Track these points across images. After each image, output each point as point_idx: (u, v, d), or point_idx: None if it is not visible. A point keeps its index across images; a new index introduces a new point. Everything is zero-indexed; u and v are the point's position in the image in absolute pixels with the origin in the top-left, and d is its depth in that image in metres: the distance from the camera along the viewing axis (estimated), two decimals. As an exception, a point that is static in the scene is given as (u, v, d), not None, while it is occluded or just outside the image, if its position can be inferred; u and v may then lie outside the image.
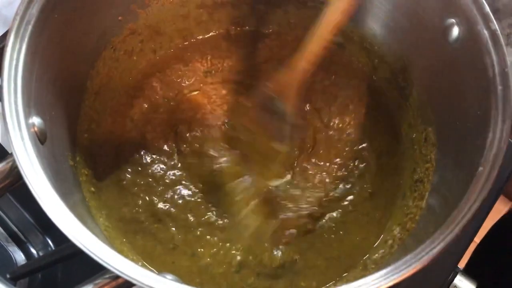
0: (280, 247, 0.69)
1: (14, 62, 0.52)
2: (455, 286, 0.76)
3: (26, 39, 0.54)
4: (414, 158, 0.71)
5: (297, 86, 0.67)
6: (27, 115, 0.51)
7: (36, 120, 0.53)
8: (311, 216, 0.71)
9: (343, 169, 0.74)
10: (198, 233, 0.69)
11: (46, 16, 0.56)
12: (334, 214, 0.71)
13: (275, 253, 0.68)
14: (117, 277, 0.45)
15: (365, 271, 0.65)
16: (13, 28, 0.53)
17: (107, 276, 0.46)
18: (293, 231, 0.69)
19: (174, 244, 0.69)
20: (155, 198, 0.71)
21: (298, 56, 0.68)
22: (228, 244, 0.69)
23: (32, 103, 0.53)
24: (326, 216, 0.71)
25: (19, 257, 0.79)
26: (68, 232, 0.45)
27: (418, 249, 0.48)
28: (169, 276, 0.46)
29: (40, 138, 0.53)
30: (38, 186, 0.48)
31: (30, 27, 0.54)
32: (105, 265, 0.44)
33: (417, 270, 0.47)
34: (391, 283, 0.46)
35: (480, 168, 0.52)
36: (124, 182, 0.72)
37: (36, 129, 0.53)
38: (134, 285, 0.46)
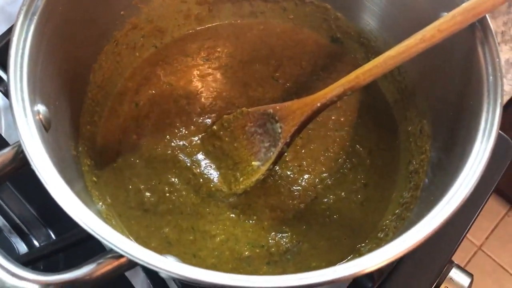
0: (284, 227, 0.70)
1: (20, 52, 0.54)
2: (451, 278, 0.77)
3: (31, 30, 0.56)
4: (410, 150, 0.73)
5: (304, 119, 0.67)
6: (33, 103, 0.53)
7: (41, 108, 0.55)
8: (304, 198, 0.73)
9: (336, 162, 0.76)
10: (191, 237, 0.70)
11: (51, 8, 0.58)
12: (327, 199, 0.73)
13: (278, 238, 0.70)
14: (120, 256, 0.47)
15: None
16: (19, 18, 0.55)
17: (109, 255, 0.47)
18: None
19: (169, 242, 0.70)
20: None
21: (319, 94, 0.67)
22: (230, 243, 0.70)
23: (37, 91, 0.55)
24: (318, 200, 0.73)
25: (22, 248, 0.81)
26: (74, 214, 0.47)
27: (407, 233, 0.49)
28: (171, 258, 0.47)
29: (45, 126, 0.55)
30: (44, 171, 0.49)
31: (35, 18, 0.56)
32: (109, 245, 0.45)
33: (404, 254, 0.48)
34: (377, 266, 0.47)
35: (471, 158, 0.53)
36: (124, 171, 0.73)
37: (41, 116, 0.54)
38: (135, 265, 0.48)
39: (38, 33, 0.56)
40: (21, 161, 0.52)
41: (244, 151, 0.73)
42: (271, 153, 0.70)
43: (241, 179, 0.72)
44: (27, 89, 0.53)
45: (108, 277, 0.47)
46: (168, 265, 0.45)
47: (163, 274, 0.46)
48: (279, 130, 0.69)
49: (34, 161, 0.49)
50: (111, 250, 0.47)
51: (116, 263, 0.47)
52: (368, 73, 0.63)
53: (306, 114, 0.67)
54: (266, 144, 0.71)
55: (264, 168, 0.70)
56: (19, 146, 0.51)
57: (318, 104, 0.66)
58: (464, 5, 0.58)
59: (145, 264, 0.45)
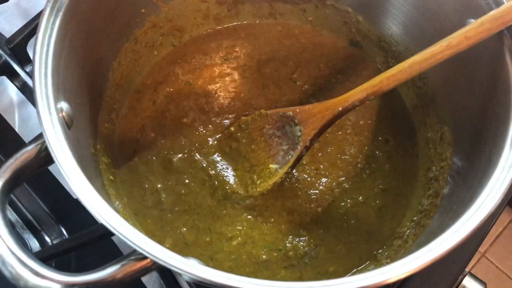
0: (301, 231, 0.70)
1: (45, 48, 0.54)
2: (464, 286, 0.77)
3: (56, 26, 0.55)
4: (429, 157, 0.72)
5: (324, 123, 0.67)
6: (56, 100, 0.53)
7: (64, 105, 0.54)
8: (321, 202, 0.72)
9: (354, 166, 0.75)
10: (208, 238, 0.70)
11: (75, 5, 0.58)
12: (344, 203, 0.72)
13: (296, 242, 0.69)
14: (143, 258, 0.46)
15: (380, 265, 0.66)
16: (44, 14, 0.55)
17: (133, 257, 0.47)
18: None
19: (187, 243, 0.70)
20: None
21: (340, 98, 0.66)
22: (247, 247, 0.69)
23: (60, 89, 0.54)
24: (336, 204, 0.72)
25: (34, 244, 0.80)
26: (98, 213, 0.46)
27: (433, 243, 0.48)
28: (193, 260, 0.47)
29: (68, 123, 0.54)
30: (68, 168, 0.48)
31: (60, 14, 0.56)
32: (133, 246, 0.45)
33: (431, 263, 0.47)
34: (403, 275, 0.46)
35: (498, 167, 0.52)
36: (140, 169, 0.73)
37: (64, 114, 0.54)
38: (158, 267, 0.47)
39: (62, 30, 0.56)
40: (44, 159, 0.52)
41: (261, 154, 0.73)
42: (290, 156, 0.69)
43: (258, 181, 0.71)
44: (51, 86, 0.52)
45: (131, 278, 0.47)
46: (194, 268, 0.44)
47: (186, 277, 0.46)
48: (299, 133, 0.69)
49: (58, 158, 0.49)
50: (134, 252, 0.46)
51: (139, 265, 0.46)
52: (392, 78, 0.62)
53: (327, 118, 0.67)
54: (285, 147, 0.70)
55: (282, 171, 0.70)
56: (43, 143, 0.51)
57: (340, 108, 0.66)
58: (493, 12, 0.58)
59: (170, 267, 0.44)
